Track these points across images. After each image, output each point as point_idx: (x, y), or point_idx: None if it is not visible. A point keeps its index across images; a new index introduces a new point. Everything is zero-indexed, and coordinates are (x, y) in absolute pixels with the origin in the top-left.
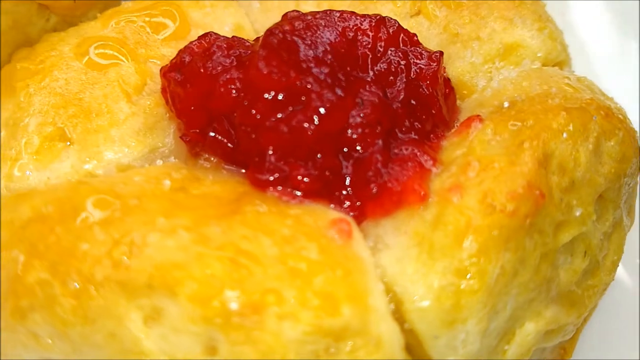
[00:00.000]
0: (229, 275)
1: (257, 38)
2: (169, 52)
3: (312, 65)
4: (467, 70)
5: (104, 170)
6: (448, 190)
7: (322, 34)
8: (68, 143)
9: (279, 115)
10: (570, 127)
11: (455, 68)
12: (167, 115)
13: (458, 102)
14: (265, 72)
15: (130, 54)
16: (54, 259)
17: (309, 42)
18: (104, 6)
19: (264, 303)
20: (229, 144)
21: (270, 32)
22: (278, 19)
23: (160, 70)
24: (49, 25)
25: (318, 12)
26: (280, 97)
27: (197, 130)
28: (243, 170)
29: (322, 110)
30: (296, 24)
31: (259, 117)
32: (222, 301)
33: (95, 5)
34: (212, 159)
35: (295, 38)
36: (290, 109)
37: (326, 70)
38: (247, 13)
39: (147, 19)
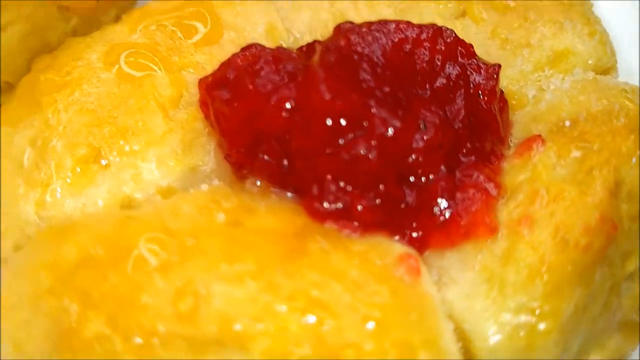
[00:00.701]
0: (303, 329)
1: (302, 48)
2: (203, 59)
3: (372, 84)
4: (517, 78)
5: (143, 194)
6: (517, 222)
7: (378, 48)
8: (104, 164)
9: (340, 142)
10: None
11: (505, 77)
12: (206, 130)
13: (509, 112)
14: (328, 98)
15: (163, 62)
16: (112, 310)
17: (367, 58)
18: (123, 4)
19: (342, 357)
20: (280, 168)
21: (326, 48)
22: (310, 17)
23: (200, 83)
24: (68, 27)
25: (372, 24)
26: (342, 122)
27: (243, 150)
28: (289, 194)
29: (385, 136)
30: (352, 37)
31: (318, 143)
32: (298, 357)
33: (115, 3)
34: (259, 182)
35: (354, 54)
36: (352, 135)
37: (387, 89)
38: (277, 9)
39: (177, 21)
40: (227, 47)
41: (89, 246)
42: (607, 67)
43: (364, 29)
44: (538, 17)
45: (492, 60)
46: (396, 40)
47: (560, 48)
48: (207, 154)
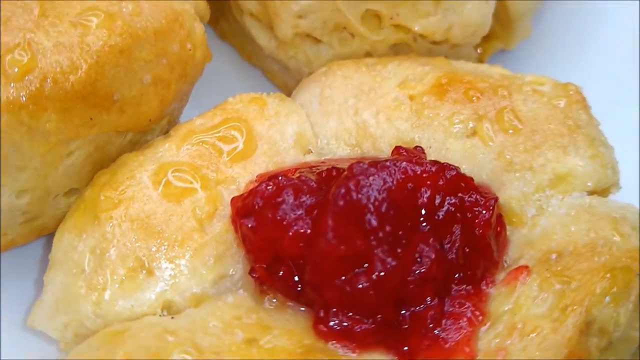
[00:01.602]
0: None
1: (321, 173)
2: (238, 174)
3: (376, 226)
4: (518, 198)
5: (180, 298)
6: (494, 353)
7: (384, 190)
8: (149, 273)
9: (343, 278)
10: (614, 290)
11: (507, 196)
12: (236, 242)
13: (508, 231)
14: (333, 244)
15: (202, 180)
16: None
17: (374, 201)
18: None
19: None
20: (295, 287)
21: (337, 193)
22: (336, 125)
23: (232, 203)
24: (125, 141)
25: (379, 163)
26: (345, 262)
27: (264, 266)
28: (303, 309)
29: (383, 273)
30: (362, 181)
31: (324, 277)
32: None
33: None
34: (275, 299)
35: (362, 199)
36: (354, 272)
37: (388, 229)
38: (307, 113)
39: (217, 139)
40: (260, 160)
41: (134, 354)
42: (607, 186)
43: (372, 169)
44: (543, 141)
45: (496, 180)
46: (401, 179)
47: (562, 172)
48: (235, 264)
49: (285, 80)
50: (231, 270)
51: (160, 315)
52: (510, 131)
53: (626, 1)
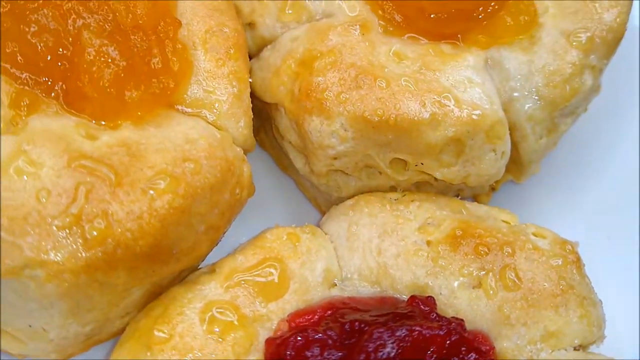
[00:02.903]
0: None
1: (344, 326)
2: (271, 312)
3: None
4: (512, 348)
5: None
6: None
7: (399, 352)
8: None
9: None
10: None
11: (503, 346)
12: None
13: None
14: None
15: (241, 318)
16: None
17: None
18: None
19: None
20: None
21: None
22: (360, 262)
23: (266, 345)
24: (176, 272)
25: (395, 331)
26: None
27: None
28: None
29: None
30: (380, 346)
31: None
32: None
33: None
34: None
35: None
36: None
37: None
38: (335, 246)
39: (255, 276)
40: (291, 299)
41: None
42: (592, 341)
43: (388, 340)
44: (538, 300)
45: (494, 330)
46: (410, 344)
47: (552, 330)
48: None
49: (315, 196)
50: None
51: None
52: (511, 287)
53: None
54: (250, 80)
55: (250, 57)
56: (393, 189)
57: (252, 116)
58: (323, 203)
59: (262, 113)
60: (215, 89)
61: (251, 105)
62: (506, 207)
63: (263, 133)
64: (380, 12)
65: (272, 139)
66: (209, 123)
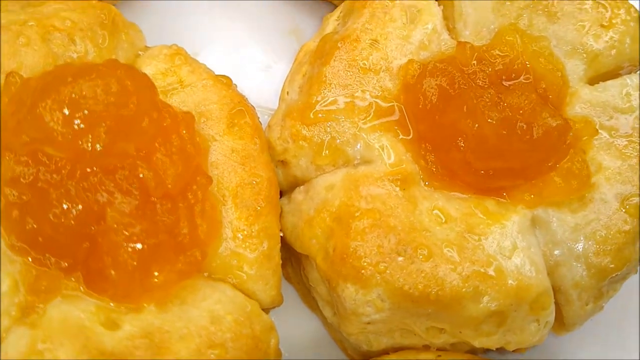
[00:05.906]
0: None
1: None
2: None
3: None
4: None
5: None
6: None
7: None
8: None
9: None
10: None
11: None
12: None
13: None
14: None
15: None
16: None
17: None
18: None
19: None
20: None
21: None
22: None
23: None
24: None
25: None
26: None
27: None
28: None
29: None
30: None
31: None
32: None
33: None
34: None
35: None
36: None
37: None
38: None
39: None
40: None
41: None
42: None
43: None
44: None
45: None
46: None
47: None
48: None
49: (342, 339)
50: None
51: None
52: None
53: None
54: (280, 231)
55: (281, 194)
56: (426, 347)
57: (281, 272)
58: (350, 348)
59: (292, 248)
60: (245, 249)
61: (280, 260)
62: None
63: (290, 267)
64: (422, 162)
65: (299, 274)
66: (236, 288)
